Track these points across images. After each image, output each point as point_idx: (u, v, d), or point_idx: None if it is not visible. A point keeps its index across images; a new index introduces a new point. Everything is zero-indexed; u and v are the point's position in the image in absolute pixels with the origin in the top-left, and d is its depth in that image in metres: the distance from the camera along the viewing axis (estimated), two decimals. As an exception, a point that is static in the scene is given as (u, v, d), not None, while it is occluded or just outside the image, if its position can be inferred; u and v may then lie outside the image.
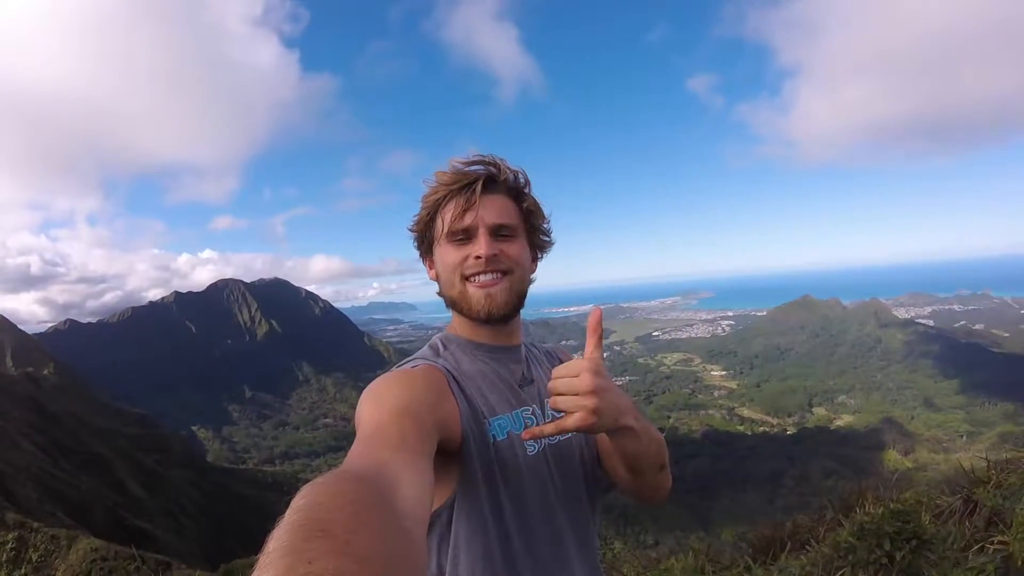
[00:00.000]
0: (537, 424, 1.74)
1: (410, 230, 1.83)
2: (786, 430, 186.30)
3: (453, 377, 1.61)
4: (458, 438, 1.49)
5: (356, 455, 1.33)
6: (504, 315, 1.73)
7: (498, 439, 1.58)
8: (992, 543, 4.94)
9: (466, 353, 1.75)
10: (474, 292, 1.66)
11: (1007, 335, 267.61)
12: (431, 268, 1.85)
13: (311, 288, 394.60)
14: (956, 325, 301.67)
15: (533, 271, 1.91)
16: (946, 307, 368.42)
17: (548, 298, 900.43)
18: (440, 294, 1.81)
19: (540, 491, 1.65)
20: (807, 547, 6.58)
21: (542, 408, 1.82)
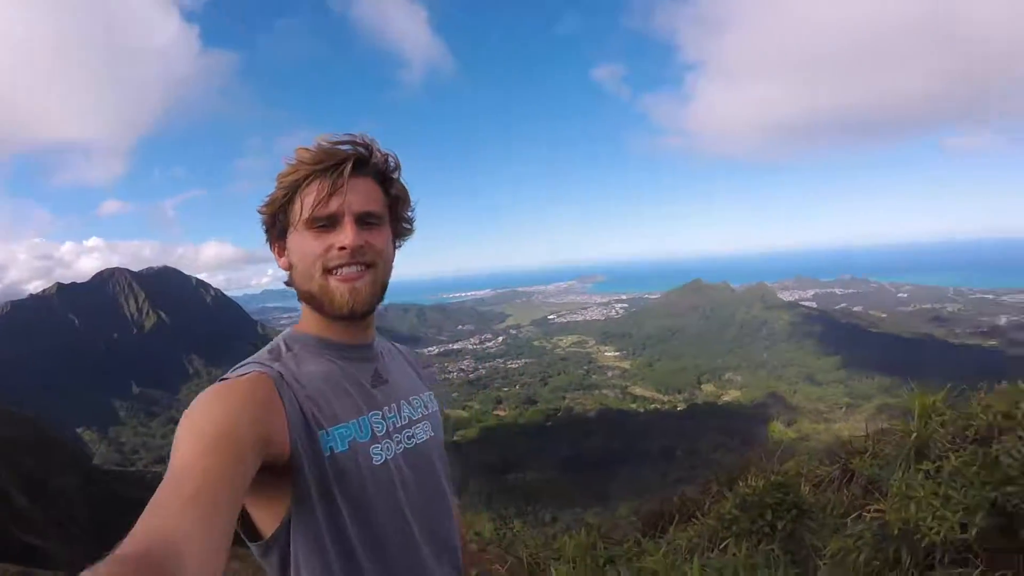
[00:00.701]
0: (390, 428, 1.68)
1: (259, 211, 1.69)
2: (677, 407, 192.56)
3: (287, 384, 1.51)
4: (287, 453, 1.41)
5: (141, 526, 1.19)
6: (366, 311, 1.62)
7: (336, 451, 1.47)
8: (869, 511, 5.14)
9: (313, 354, 1.62)
10: (336, 286, 1.54)
11: (884, 316, 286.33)
12: (281, 256, 1.72)
13: (202, 276, 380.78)
14: (837, 307, 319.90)
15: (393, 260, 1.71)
16: (828, 291, 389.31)
17: (445, 283, 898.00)
18: (291, 285, 1.70)
19: (389, 500, 1.56)
20: (694, 519, 6.68)
21: (398, 409, 1.74)
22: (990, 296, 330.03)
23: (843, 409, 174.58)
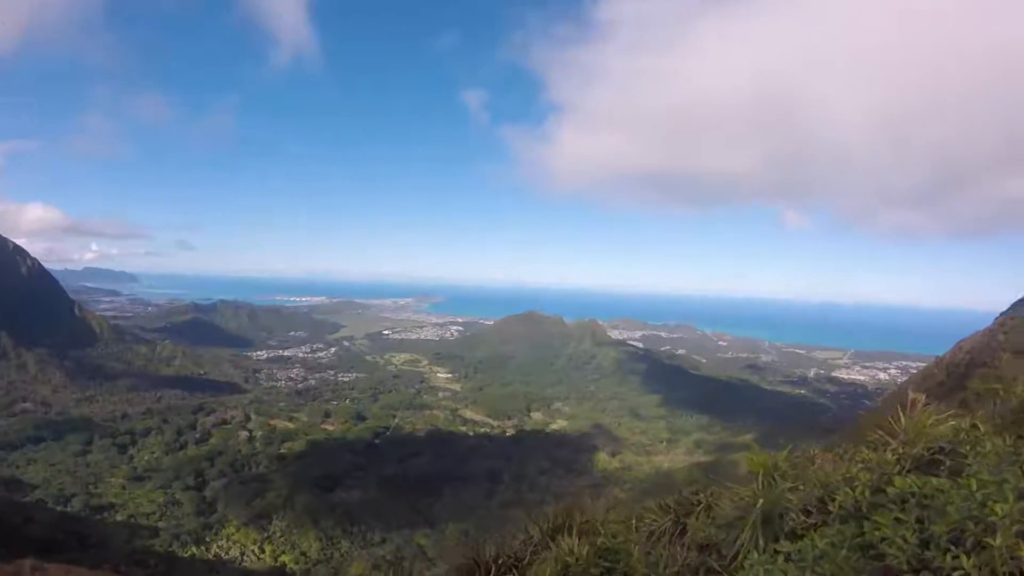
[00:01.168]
0: None
1: None
2: (506, 432, 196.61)
3: None
4: None
5: None
6: None
7: None
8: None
9: None
10: None
11: (704, 360, 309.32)
12: None
13: (20, 242, 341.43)
14: (662, 349, 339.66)
15: None
16: (654, 333, 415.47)
17: (280, 286, 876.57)
18: None
19: None
20: (514, 571, 6.50)
21: None
22: (801, 351, 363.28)
23: (663, 443, 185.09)
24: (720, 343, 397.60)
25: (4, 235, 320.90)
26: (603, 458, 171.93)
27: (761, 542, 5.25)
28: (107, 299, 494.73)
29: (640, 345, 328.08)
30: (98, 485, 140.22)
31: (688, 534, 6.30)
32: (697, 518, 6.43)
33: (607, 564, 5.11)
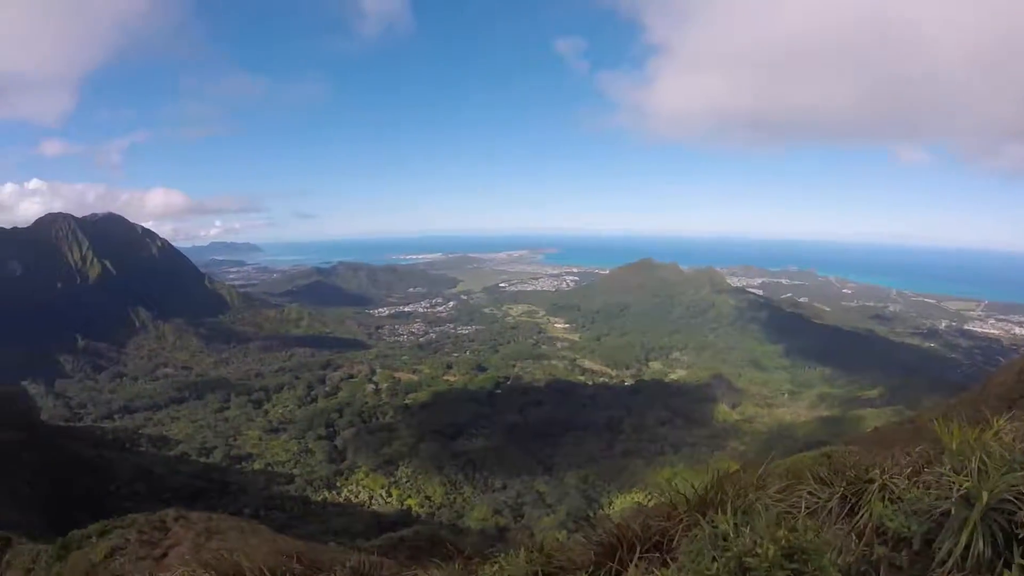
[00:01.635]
0: None
1: None
2: (624, 381, 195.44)
3: None
4: None
5: None
6: None
7: None
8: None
9: None
10: None
11: (828, 309, 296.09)
12: None
13: (148, 225, 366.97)
14: (783, 296, 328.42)
15: None
16: (775, 280, 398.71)
17: (396, 245, 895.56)
18: None
19: None
20: (658, 552, 5.43)
21: None
22: (931, 300, 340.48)
23: (785, 395, 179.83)
24: (844, 291, 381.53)
25: (132, 220, 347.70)
26: (723, 409, 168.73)
27: (986, 549, 3.99)
28: (234, 270, 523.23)
29: (760, 293, 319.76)
30: (236, 438, 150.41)
31: (862, 518, 4.88)
32: (873, 499, 4.93)
33: (794, 567, 4.00)
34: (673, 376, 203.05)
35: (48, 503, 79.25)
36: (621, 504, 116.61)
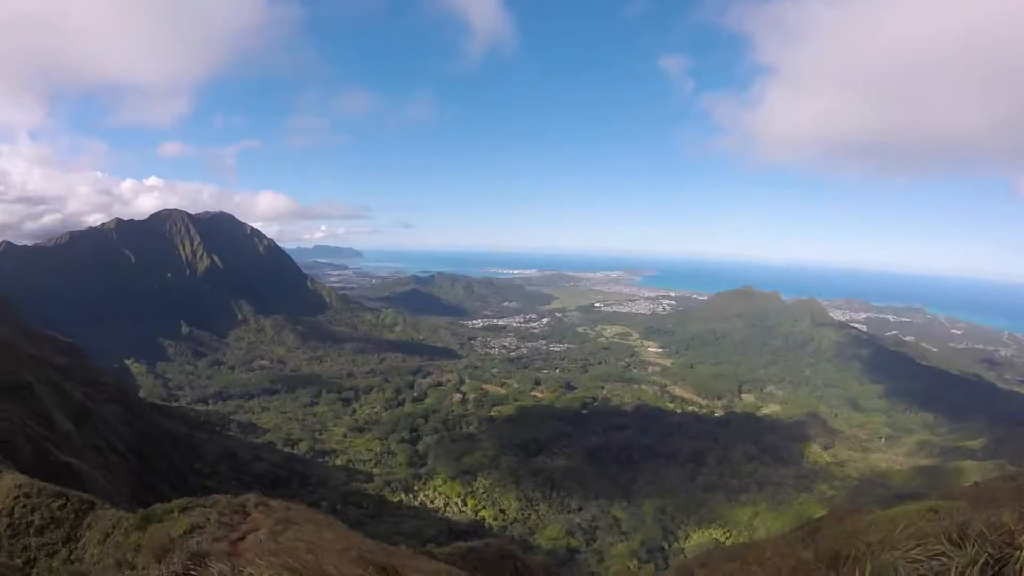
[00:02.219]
0: None
1: None
2: (714, 412, 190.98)
3: None
4: None
5: None
6: None
7: None
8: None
9: None
10: None
11: (935, 350, 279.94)
12: None
13: (257, 225, 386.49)
14: (888, 334, 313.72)
15: None
16: (880, 316, 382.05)
17: (495, 259, 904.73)
18: None
19: None
20: None
21: None
22: None
23: (882, 440, 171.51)
24: (953, 331, 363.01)
25: (242, 220, 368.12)
26: (815, 450, 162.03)
27: None
28: (335, 272, 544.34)
29: (864, 328, 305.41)
30: (322, 432, 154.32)
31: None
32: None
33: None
34: (765, 410, 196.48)
35: (135, 473, 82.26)
36: (698, 539, 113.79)
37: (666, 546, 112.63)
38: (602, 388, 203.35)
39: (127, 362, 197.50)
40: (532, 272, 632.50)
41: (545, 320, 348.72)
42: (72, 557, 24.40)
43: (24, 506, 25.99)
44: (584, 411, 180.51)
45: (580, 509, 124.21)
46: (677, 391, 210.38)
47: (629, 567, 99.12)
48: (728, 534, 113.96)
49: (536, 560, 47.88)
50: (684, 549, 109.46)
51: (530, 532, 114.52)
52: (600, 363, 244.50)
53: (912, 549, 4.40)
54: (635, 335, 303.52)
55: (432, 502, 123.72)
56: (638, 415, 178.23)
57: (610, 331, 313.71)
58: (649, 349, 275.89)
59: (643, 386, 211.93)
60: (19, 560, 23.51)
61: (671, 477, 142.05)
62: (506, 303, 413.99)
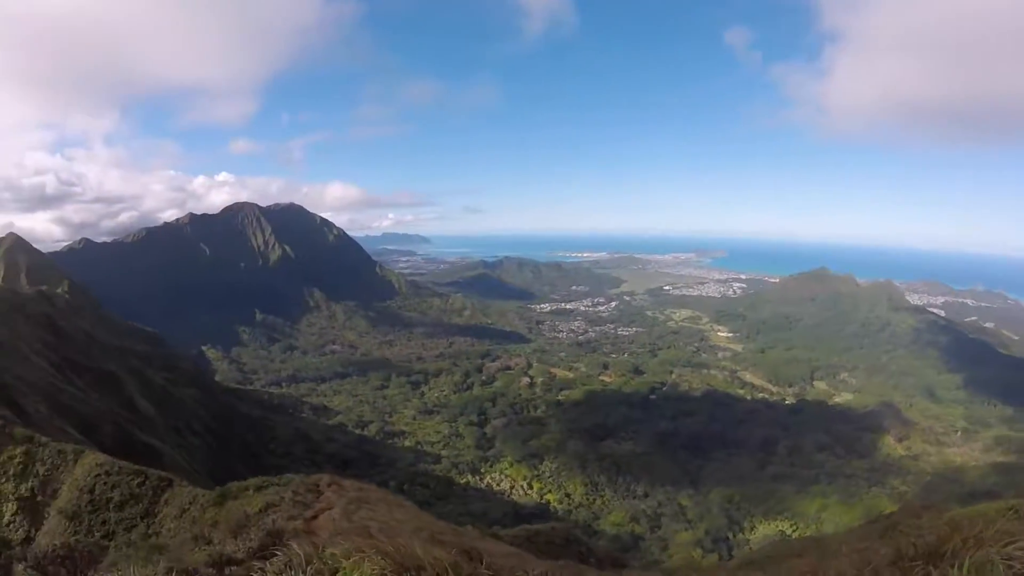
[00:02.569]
0: None
1: None
2: (785, 399, 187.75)
3: None
4: None
5: None
6: None
7: None
8: None
9: None
10: None
11: (1016, 338, 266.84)
12: None
13: (326, 215, 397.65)
14: (967, 319, 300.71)
15: None
16: (959, 300, 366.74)
17: (562, 242, 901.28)
18: None
19: None
20: None
21: None
22: None
23: (958, 433, 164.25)
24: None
25: (312, 210, 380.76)
26: (888, 442, 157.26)
27: None
28: (404, 259, 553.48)
29: (942, 313, 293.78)
30: (392, 415, 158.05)
31: None
32: None
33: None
34: (838, 399, 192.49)
35: (212, 453, 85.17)
36: (764, 531, 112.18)
37: (731, 536, 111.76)
38: (671, 373, 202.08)
39: (203, 348, 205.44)
40: (600, 255, 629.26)
41: (613, 303, 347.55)
42: (149, 531, 25.48)
43: (105, 483, 27.39)
44: (652, 396, 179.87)
45: (646, 495, 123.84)
46: (747, 377, 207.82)
47: (693, 556, 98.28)
48: (795, 527, 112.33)
49: (600, 546, 47.86)
50: (749, 540, 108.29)
51: (595, 517, 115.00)
52: (669, 347, 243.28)
53: (1006, 546, 4.24)
54: (705, 319, 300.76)
55: (498, 484, 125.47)
56: (707, 401, 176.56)
57: (679, 315, 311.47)
58: (719, 333, 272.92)
59: (713, 371, 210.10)
60: (98, 534, 24.58)
61: (740, 465, 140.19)
62: (574, 287, 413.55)
